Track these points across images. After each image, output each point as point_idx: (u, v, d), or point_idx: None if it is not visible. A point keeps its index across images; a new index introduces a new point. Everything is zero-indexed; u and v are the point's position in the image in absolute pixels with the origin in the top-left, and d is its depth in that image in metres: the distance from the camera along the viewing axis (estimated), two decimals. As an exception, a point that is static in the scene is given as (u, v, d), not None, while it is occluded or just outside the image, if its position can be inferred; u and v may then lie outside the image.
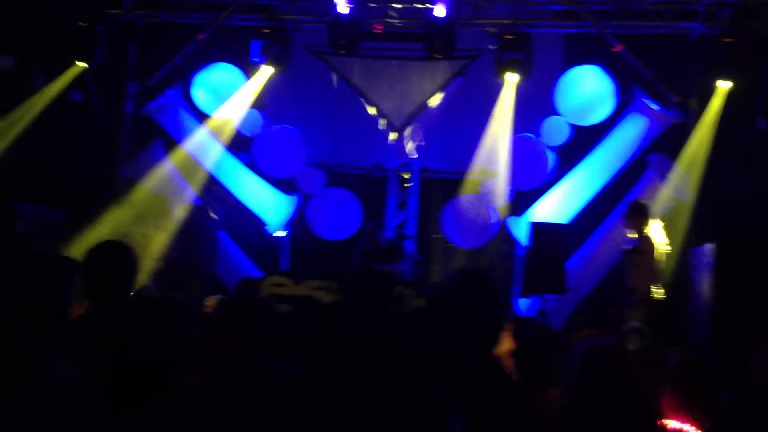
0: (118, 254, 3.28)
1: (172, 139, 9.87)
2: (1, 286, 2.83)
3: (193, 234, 8.73)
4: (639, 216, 7.37)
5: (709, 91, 8.84)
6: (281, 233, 10.19)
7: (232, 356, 2.50)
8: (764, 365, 3.00)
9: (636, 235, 7.32)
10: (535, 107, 9.68)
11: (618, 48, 9.14)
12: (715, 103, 8.78)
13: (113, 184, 9.17)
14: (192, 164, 9.68)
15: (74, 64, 9.21)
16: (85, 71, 9.32)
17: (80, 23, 9.13)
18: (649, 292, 7.18)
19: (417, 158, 10.21)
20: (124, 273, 3.24)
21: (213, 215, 9.13)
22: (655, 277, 7.23)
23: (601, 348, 2.61)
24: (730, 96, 8.73)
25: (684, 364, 3.07)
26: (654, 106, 9.28)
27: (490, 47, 9.39)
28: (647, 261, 7.23)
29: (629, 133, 9.45)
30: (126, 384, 2.42)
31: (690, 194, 8.77)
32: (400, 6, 9.57)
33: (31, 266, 2.96)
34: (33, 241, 7.44)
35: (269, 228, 10.13)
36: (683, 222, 8.61)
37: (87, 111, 9.35)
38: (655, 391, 2.81)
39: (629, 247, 7.42)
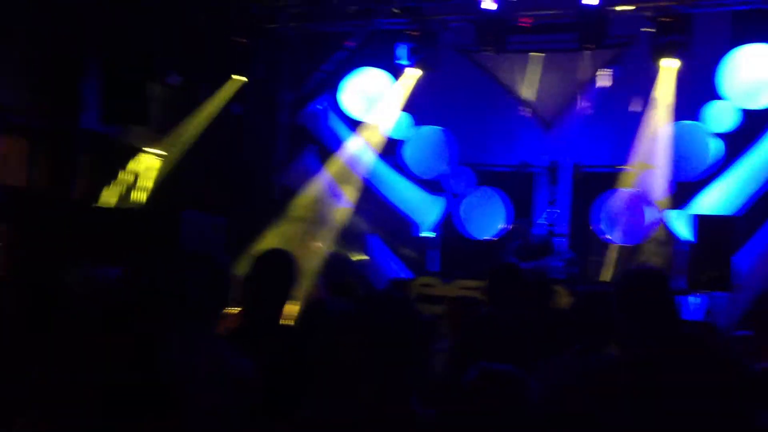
0: (281, 262, 3.38)
1: (324, 147, 10.23)
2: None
3: (346, 238, 8.99)
4: None
5: None
6: (431, 234, 10.27)
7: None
8: None
9: None
10: (697, 92, 9.08)
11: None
12: None
13: (270, 191, 9.65)
14: (347, 172, 9.99)
15: (232, 78, 9.80)
16: (243, 84, 9.88)
17: (238, 39, 9.68)
18: None
19: (569, 153, 9.91)
20: (285, 281, 3.33)
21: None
22: None
23: None
24: None
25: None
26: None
27: (647, 30, 8.90)
28: None
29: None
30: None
31: None
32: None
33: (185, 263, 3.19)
34: (200, 247, 7.99)
35: (419, 229, 10.24)
36: None
37: (246, 123, 9.89)
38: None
39: None
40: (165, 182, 9.14)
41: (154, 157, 9.19)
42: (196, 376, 2.50)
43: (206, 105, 9.55)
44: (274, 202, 9.83)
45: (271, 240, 8.72)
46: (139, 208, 8.70)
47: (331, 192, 9.93)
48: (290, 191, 9.92)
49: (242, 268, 3.37)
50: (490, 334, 3.33)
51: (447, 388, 3.35)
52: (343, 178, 10.03)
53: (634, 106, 9.49)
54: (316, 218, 9.75)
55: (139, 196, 8.98)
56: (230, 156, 9.42)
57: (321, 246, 8.93)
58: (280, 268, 3.35)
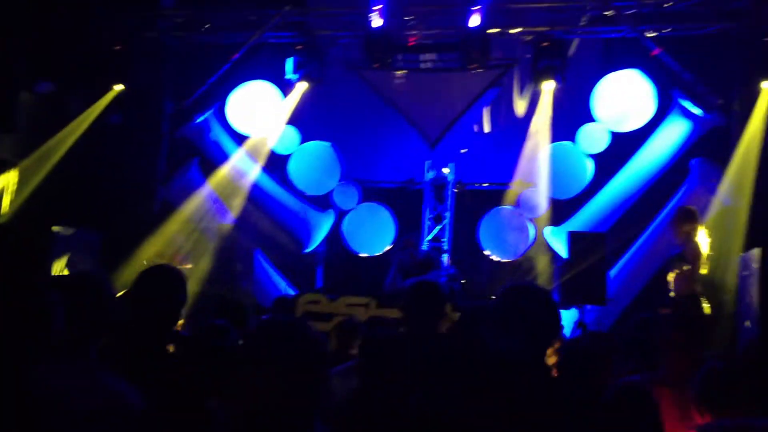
0: (168, 278, 3.19)
1: (207, 159, 10.00)
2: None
3: (230, 254, 8.79)
4: (687, 222, 7.11)
5: (752, 93, 8.56)
6: (317, 250, 10.21)
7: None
8: None
9: (683, 242, 7.06)
10: (572, 114, 9.52)
11: (656, 51, 8.93)
12: (762, 105, 8.50)
13: (150, 205, 9.32)
14: (231, 186, 9.79)
15: (111, 87, 9.42)
16: (122, 94, 9.52)
17: (116, 46, 9.33)
18: (697, 304, 6.93)
19: (453, 171, 10.13)
20: (174, 296, 3.15)
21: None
22: (699, 286, 6.99)
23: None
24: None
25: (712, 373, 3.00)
26: (695, 110, 9.01)
27: (527, 56, 9.28)
28: (693, 269, 6.98)
29: (670, 138, 9.20)
30: None
31: (737, 199, 8.48)
32: (434, 17, 9.53)
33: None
34: (72, 265, 7.61)
35: (305, 245, 10.16)
36: (730, 227, 8.33)
37: (126, 133, 9.52)
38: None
39: (675, 254, 7.18)
40: (34, 195, 8.63)
41: (19, 168, 8.67)
42: (67, 410, 2.33)
43: (80, 114, 9.13)
44: (154, 217, 9.48)
45: (143, 256, 8.39)
46: (1, 223, 8.18)
47: (215, 207, 9.70)
48: (171, 205, 9.61)
49: (117, 285, 3.19)
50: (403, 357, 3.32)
51: (354, 412, 3.32)
52: (228, 192, 9.83)
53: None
54: (197, 234, 9.49)
55: (3, 210, 8.44)
56: (108, 168, 9.01)
57: (189, 267, 8.65)
58: (166, 285, 3.15)
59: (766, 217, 8.04)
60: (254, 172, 9.89)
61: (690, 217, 7.16)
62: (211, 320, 3.43)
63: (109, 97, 9.38)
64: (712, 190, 8.74)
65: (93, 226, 7.87)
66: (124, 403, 2.47)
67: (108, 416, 2.41)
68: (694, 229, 7.08)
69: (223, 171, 9.82)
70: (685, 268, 7.03)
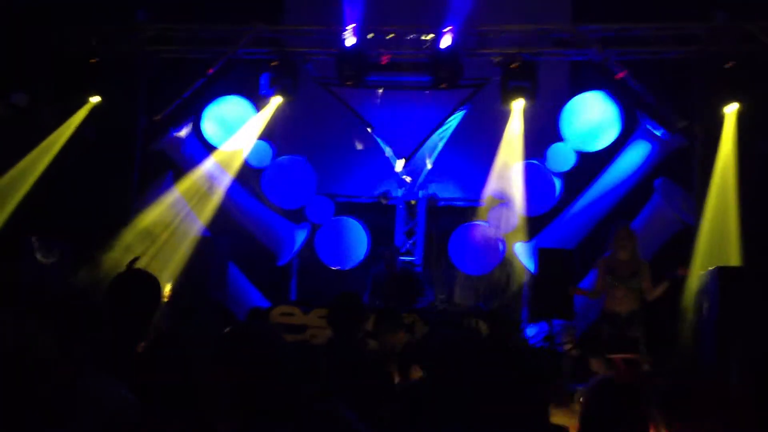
0: (142, 283, 3.27)
1: (182, 173, 10.01)
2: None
3: (203, 265, 8.82)
4: (629, 239, 7.32)
5: (713, 115, 8.91)
6: (290, 263, 10.28)
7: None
8: None
9: (625, 259, 7.24)
10: (542, 133, 9.76)
11: (621, 74, 9.24)
12: (724, 127, 8.82)
13: (124, 218, 9.30)
14: (200, 194, 9.81)
15: (86, 100, 9.41)
16: (97, 107, 9.51)
17: (91, 59, 9.33)
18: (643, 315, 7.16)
19: (425, 187, 10.30)
20: (147, 301, 3.23)
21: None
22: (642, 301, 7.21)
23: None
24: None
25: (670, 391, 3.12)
26: (658, 132, 9.33)
27: (496, 77, 9.53)
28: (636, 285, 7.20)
29: (634, 159, 9.51)
30: None
31: (698, 218, 8.79)
32: (406, 37, 9.72)
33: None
34: (46, 274, 7.58)
35: (279, 258, 10.22)
36: (691, 246, 8.62)
37: (100, 146, 9.51)
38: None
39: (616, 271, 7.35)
40: (6, 206, 8.58)
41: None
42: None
43: (54, 126, 9.11)
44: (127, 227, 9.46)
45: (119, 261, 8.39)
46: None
47: (188, 219, 9.71)
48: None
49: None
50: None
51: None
52: (201, 205, 9.84)
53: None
54: (170, 244, 9.48)
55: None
56: (82, 180, 8.99)
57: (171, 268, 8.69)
58: (141, 289, 3.24)
59: (724, 237, 8.34)
60: (228, 185, 9.93)
61: (630, 234, 7.32)
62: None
63: (85, 109, 9.37)
64: (675, 209, 9.04)
65: (67, 238, 7.84)
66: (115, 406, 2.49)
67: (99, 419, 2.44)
68: (635, 246, 7.22)
69: (197, 184, 9.84)
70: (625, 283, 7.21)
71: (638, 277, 7.12)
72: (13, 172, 8.77)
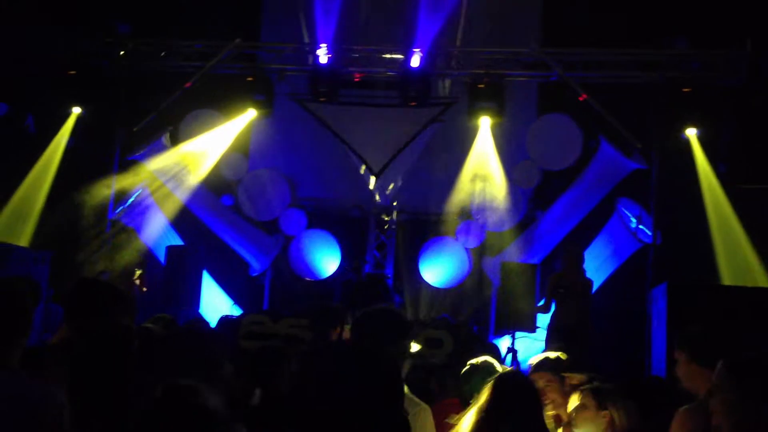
0: (96, 290, 3.42)
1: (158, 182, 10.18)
2: None
3: (176, 274, 9.01)
4: (576, 258, 7.72)
5: (670, 138, 9.31)
6: (263, 273, 10.49)
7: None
8: None
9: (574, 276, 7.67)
10: (508, 151, 10.07)
11: (584, 97, 9.60)
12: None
13: (102, 226, 9.48)
14: (179, 210, 10.01)
15: (68, 111, 9.59)
16: (78, 117, 9.69)
17: (71, 71, 9.51)
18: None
19: (395, 200, 10.57)
20: (104, 308, 3.30)
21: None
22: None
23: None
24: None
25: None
26: (619, 153, 9.68)
27: (463, 96, 9.85)
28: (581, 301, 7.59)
29: (596, 178, 9.86)
30: None
31: (653, 237, 9.17)
32: (378, 56, 10.02)
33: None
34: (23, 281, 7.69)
35: (252, 268, 10.43)
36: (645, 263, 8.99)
37: (79, 156, 9.68)
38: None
39: (563, 288, 7.73)
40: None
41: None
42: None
43: (36, 136, 9.28)
44: (104, 237, 9.64)
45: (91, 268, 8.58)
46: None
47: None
48: (124, 227, 9.80)
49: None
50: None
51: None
52: (176, 216, 10.03)
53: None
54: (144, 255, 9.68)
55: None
56: (60, 189, 9.16)
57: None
58: (96, 296, 3.37)
59: (675, 254, 8.72)
60: (203, 196, 10.12)
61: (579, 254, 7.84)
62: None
63: (71, 121, 9.57)
64: (632, 228, 9.42)
65: (44, 246, 8.00)
66: (54, 404, 2.54)
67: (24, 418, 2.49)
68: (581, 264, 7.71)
69: (172, 196, 10.03)
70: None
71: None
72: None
